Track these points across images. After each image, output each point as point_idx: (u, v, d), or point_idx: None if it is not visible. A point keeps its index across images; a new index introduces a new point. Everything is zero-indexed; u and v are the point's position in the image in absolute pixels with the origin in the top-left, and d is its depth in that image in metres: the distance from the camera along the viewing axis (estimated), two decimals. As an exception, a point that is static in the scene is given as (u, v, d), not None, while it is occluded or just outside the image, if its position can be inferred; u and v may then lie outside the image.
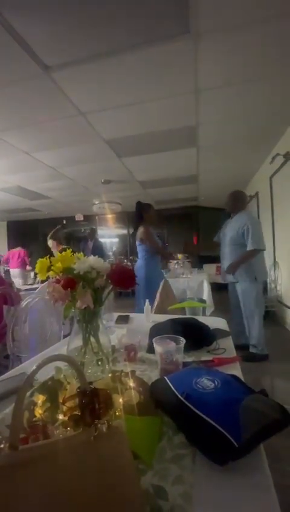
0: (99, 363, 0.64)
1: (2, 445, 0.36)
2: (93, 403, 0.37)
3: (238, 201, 2.46)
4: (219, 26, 1.45)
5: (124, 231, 7.25)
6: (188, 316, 1.35)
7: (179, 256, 4.41)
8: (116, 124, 2.49)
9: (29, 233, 7.24)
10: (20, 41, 1.46)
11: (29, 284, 4.32)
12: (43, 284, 1.64)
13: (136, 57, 1.64)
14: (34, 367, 0.36)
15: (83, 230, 6.15)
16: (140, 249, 2.63)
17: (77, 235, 6.50)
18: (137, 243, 2.64)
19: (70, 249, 0.71)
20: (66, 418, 0.47)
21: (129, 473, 0.38)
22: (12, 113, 2.22)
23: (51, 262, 0.67)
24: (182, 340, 0.71)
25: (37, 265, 0.68)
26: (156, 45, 1.55)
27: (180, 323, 0.94)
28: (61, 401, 0.54)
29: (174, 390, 0.53)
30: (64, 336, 1.48)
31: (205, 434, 0.46)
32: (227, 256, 2.43)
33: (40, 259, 0.68)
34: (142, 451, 0.47)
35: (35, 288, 2.72)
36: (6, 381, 0.75)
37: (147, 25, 1.41)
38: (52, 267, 0.67)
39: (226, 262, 2.44)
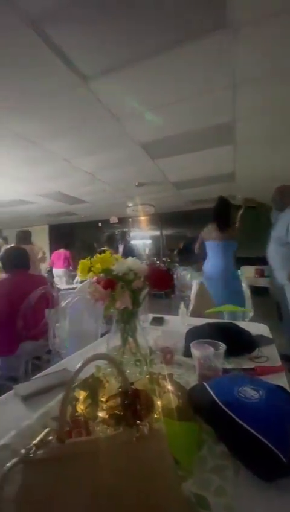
0: (137, 363, 0.65)
1: (50, 437, 0.38)
2: (135, 403, 0.37)
3: (286, 196, 2.32)
4: (257, 15, 1.38)
5: (157, 233, 7.27)
6: (226, 320, 1.30)
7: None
8: (150, 127, 2.52)
9: (67, 236, 7.65)
10: (59, 53, 1.55)
11: (70, 284, 4.57)
12: (82, 284, 1.71)
13: (171, 57, 1.63)
14: (80, 364, 0.38)
15: (116, 232, 6.33)
16: (229, 248, 2.45)
17: (112, 237, 6.71)
18: (223, 242, 2.45)
19: (109, 251, 0.73)
20: (107, 416, 0.49)
21: (171, 477, 0.37)
22: (54, 122, 2.37)
23: (91, 263, 0.69)
24: (222, 346, 0.68)
25: (79, 266, 0.71)
26: (192, 42, 1.53)
27: (218, 328, 0.91)
28: (102, 399, 0.56)
29: (215, 398, 0.51)
30: (102, 335, 1.53)
31: (249, 447, 0.43)
32: (275, 257, 2.28)
33: (81, 260, 0.71)
34: (181, 457, 0.46)
35: (74, 288, 2.87)
36: (49, 375, 0.79)
37: (181, 22, 1.40)
38: (92, 268, 0.69)
39: (274, 263, 2.29)
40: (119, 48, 1.55)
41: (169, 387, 0.58)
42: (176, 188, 4.67)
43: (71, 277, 5.16)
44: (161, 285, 0.68)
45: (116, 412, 0.41)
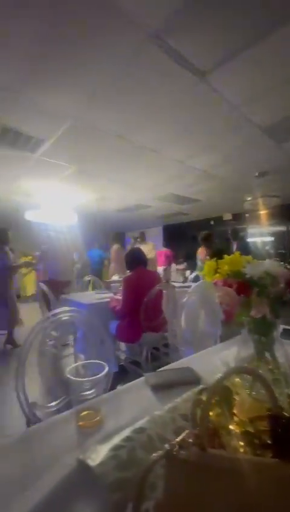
0: (276, 383, 0.56)
1: (190, 440, 0.38)
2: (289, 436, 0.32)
3: None
4: None
5: (282, 228, 6.25)
6: None
7: None
8: (273, 108, 2.20)
9: (180, 236, 7.91)
10: (177, 58, 1.60)
11: (181, 282, 4.72)
12: (197, 284, 1.71)
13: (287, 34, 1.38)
14: (222, 375, 0.36)
15: (230, 230, 5.97)
16: None
17: (226, 235, 6.37)
18: None
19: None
20: (244, 434, 0.44)
21: None
22: (173, 127, 2.48)
23: (218, 264, 0.66)
24: None
25: (205, 267, 0.69)
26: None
27: None
28: (234, 411, 0.52)
29: None
30: (221, 337, 1.47)
31: None
32: None
33: (207, 261, 0.69)
34: None
35: (187, 286, 2.93)
36: (175, 371, 0.82)
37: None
38: (218, 270, 0.66)
39: None
40: (231, 37, 1.46)
41: None
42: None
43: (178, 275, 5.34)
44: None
45: (260, 435, 0.36)
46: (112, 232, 4.89)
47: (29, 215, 4.94)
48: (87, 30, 1.41)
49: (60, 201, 4.76)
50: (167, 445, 0.36)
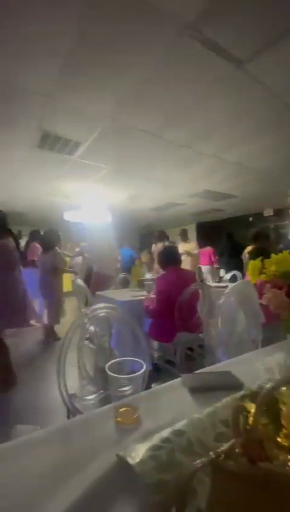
0: None
1: (237, 450, 0.36)
2: None
3: None
4: None
5: None
6: None
7: None
8: None
9: (215, 234, 7.65)
10: (213, 47, 1.54)
11: (216, 282, 4.57)
12: (235, 284, 1.64)
13: None
14: (273, 384, 0.33)
15: (272, 226, 5.60)
16: None
17: (266, 232, 6.01)
18: None
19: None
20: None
21: None
22: (202, 121, 2.40)
23: (263, 264, 0.62)
24: None
25: (249, 268, 0.65)
26: None
27: None
28: (282, 422, 0.48)
29: None
30: (262, 342, 1.39)
31: None
32: None
33: (251, 261, 0.64)
34: None
35: (223, 286, 2.82)
36: (214, 374, 0.79)
37: None
38: (264, 270, 0.61)
39: None
40: (268, 23, 1.35)
41: None
42: None
43: (212, 274, 5.17)
44: None
45: None
46: (156, 231, 4.90)
47: (67, 215, 5.21)
48: (123, 29, 1.42)
49: (95, 202, 4.93)
50: (211, 453, 0.35)
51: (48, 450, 0.52)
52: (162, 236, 4.76)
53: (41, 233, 3.90)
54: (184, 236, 4.98)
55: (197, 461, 0.35)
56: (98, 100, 2.04)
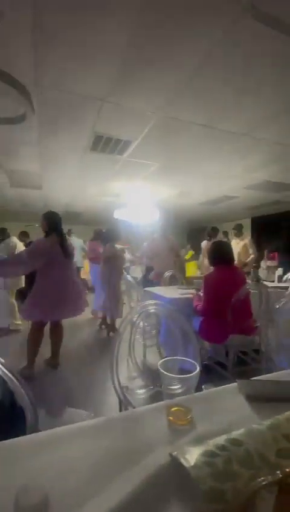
0: None
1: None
2: None
3: None
4: None
5: None
6: None
7: None
8: None
9: (272, 229, 7.02)
10: (273, 24, 1.38)
11: (271, 281, 4.20)
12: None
13: None
14: None
15: None
16: None
17: None
18: None
19: None
20: None
21: None
22: (262, 106, 2.20)
23: None
24: None
25: None
26: None
27: None
28: None
29: None
30: None
31: None
32: None
33: None
34: None
35: (282, 287, 2.57)
36: (272, 382, 0.72)
37: None
38: None
39: None
40: None
41: None
42: None
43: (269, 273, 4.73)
44: None
45: None
46: (209, 227, 4.77)
47: (117, 214, 5.41)
48: (172, 23, 1.38)
49: (144, 199, 5.00)
50: (279, 472, 0.31)
51: (101, 439, 0.54)
52: (215, 232, 4.59)
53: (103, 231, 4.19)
54: (239, 232, 4.66)
55: (262, 478, 0.32)
56: (148, 98, 2.05)
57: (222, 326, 1.80)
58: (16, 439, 0.54)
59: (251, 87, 1.93)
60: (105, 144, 2.85)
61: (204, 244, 4.61)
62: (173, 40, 1.49)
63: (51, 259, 2.27)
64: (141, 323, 2.35)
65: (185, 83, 1.87)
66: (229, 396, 0.69)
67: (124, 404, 0.89)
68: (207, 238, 4.63)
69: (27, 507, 0.31)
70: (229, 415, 0.62)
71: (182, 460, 0.46)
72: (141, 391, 0.98)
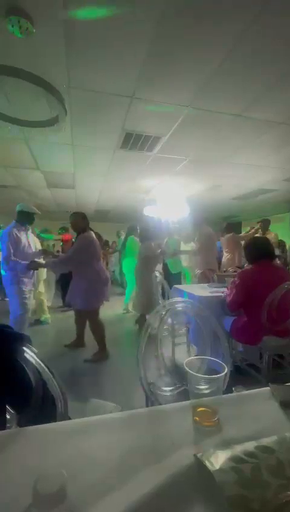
0: None
1: None
2: None
3: None
4: None
5: None
6: None
7: None
8: None
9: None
10: None
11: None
12: None
13: None
14: None
15: None
16: None
17: None
18: None
19: None
20: None
21: None
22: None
23: None
24: None
25: None
26: None
27: None
28: None
29: None
30: None
31: None
32: None
33: None
34: None
35: None
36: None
37: None
38: None
39: None
40: None
41: None
42: None
43: None
44: None
45: None
46: (231, 222, 4.57)
47: (148, 210, 5.42)
48: (197, 18, 1.33)
49: (174, 195, 4.93)
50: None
51: (126, 433, 0.55)
52: (231, 227, 4.40)
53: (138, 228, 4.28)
54: (264, 228, 4.33)
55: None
56: (177, 92, 2.00)
57: (256, 327, 1.71)
58: (47, 424, 0.57)
59: (288, 70, 1.78)
60: (135, 141, 2.86)
61: (228, 238, 4.34)
62: (199, 32, 1.43)
63: (96, 252, 2.61)
64: (169, 320, 2.34)
65: (214, 73, 1.79)
66: (261, 401, 0.66)
67: (150, 400, 0.89)
68: (225, 232, 4.37)
69: (44, 494, 0.32)
70: (259, 420, 0.59)
71: (207, 463, 0.44)
72: (168, 388, 0.97)
